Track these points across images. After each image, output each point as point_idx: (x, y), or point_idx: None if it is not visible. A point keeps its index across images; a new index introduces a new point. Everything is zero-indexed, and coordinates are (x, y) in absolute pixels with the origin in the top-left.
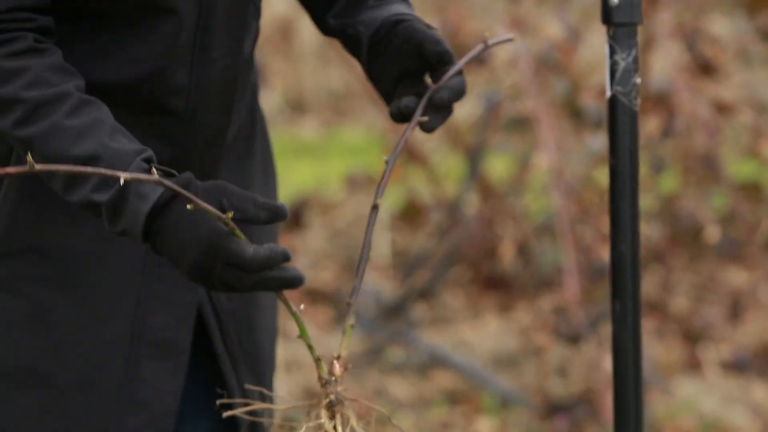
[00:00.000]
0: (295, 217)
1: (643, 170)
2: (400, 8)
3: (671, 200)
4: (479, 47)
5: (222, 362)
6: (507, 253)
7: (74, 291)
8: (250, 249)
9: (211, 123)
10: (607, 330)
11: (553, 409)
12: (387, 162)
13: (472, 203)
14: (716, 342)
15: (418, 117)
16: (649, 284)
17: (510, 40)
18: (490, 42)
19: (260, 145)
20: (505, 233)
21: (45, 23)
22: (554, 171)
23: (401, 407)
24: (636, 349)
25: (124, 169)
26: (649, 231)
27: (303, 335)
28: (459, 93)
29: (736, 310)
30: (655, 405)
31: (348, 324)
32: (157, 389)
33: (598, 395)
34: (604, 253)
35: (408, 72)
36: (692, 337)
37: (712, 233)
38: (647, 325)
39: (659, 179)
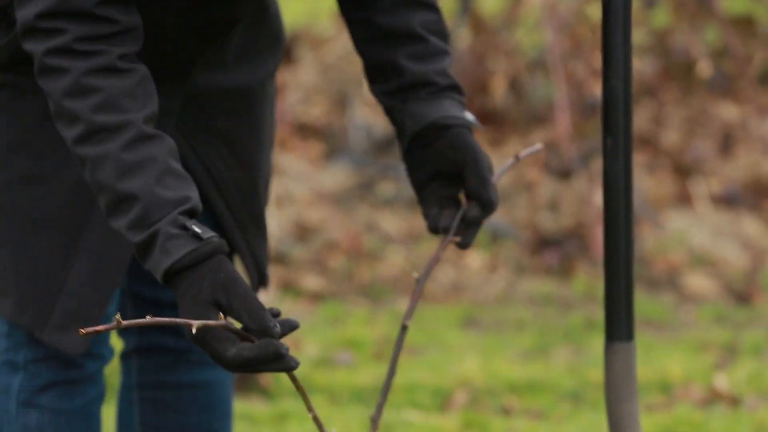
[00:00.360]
0: (286, 52)
1: (636, 4)
2: (451, 109)
3: (664, 35)
4: (511, 161)
5: (225, 221)
6: (499, 88)
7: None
8: (230, 351)
9: None
10: (598, 165)
11: (543, 243)
12: (418, 280)
13: (464, 38)
14: (707, 176)
15: (450, 237)
16: (640, 119)
17: (539, 149)
18: (522, 155)
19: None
20: (497, 68)
21: (130, 34)
22: (547, 6)
23: (391, 241)
24: (627, 183)
25: (158, 219)
26: (642, 65)
27: None
28: (491, 209)
29: (726, 143)
30: (646, 239)
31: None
32: (110, 241)
33: (588, 229)
34: (596, 88)
35: (444, 174)
36: (683, 171)
37: (704, 67)
38: (638, 160)
39: (652, 13)
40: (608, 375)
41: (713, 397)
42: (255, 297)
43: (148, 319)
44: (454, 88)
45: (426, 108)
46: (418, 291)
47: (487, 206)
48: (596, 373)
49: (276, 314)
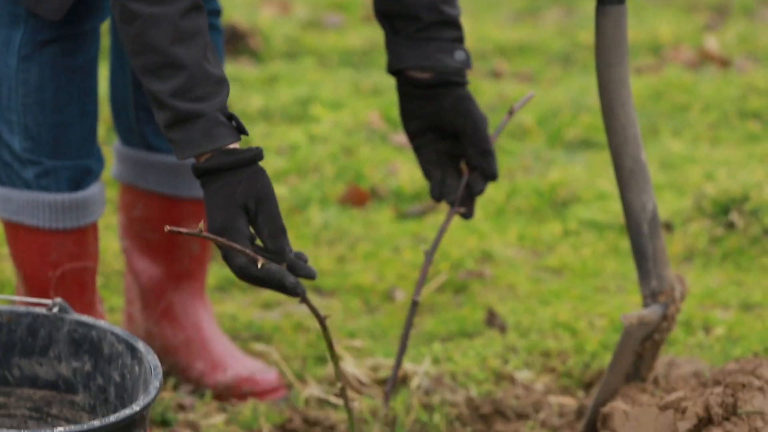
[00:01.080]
0: None
1: None
2: (434, 55)
3: None
4: (506, 118)
5: None
6: None
7: None
8: (241, 260)
9: None
10: None
11: None
12: (426, 253)
13: None
14: None
15: (455, 209)
16: None
17: (532, 96)
18: (516, 106)
19: None
20: None
21: None
22: None
23: None
24: None
25: (202, 96)
26: None
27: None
28: (493, 179)
29: None
30: None
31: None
32: None
33: None
34: None
35: (441, 129)
36: None
37: None
38: None
39: None
40: (599, 39)
41: (703, 59)
42: (281, 219)
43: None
44: (445, 24)
45: (405, 49)
46: (427, 264)
47: (490, 178)
48: (587, 35)
49: (304, 259)
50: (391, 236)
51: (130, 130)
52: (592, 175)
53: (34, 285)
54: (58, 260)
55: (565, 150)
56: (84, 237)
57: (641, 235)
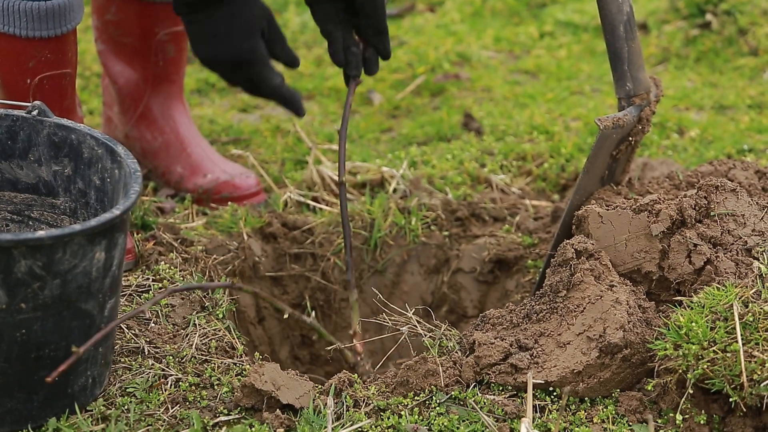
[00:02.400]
0: None
1: None
2: None
3: None
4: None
5: None
6: None
7: None
8: (277, 80)
9: None
10: None
11: None
12: (338, 132)
13: None
14: None
15: (357, 81)
16: None
17: None
18: None
19: None
20: None
21: None
22: None
23: None
24: None
25: None
26: None
27: (324, 336)
28: (386, 58)
29: None
30: None
31: (353, 300)
32: None
33: None
34: None
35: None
36: None
37: None
38: None
39: None
40: None
41: None
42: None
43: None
44: None
45: None
46: (342, 143)
47: (384, 57)
48: None
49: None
50: None
51: None
52: None
53: (12, 91)
54: (35, 68)
55: None
56: (62, 44)
57: (617, 37)
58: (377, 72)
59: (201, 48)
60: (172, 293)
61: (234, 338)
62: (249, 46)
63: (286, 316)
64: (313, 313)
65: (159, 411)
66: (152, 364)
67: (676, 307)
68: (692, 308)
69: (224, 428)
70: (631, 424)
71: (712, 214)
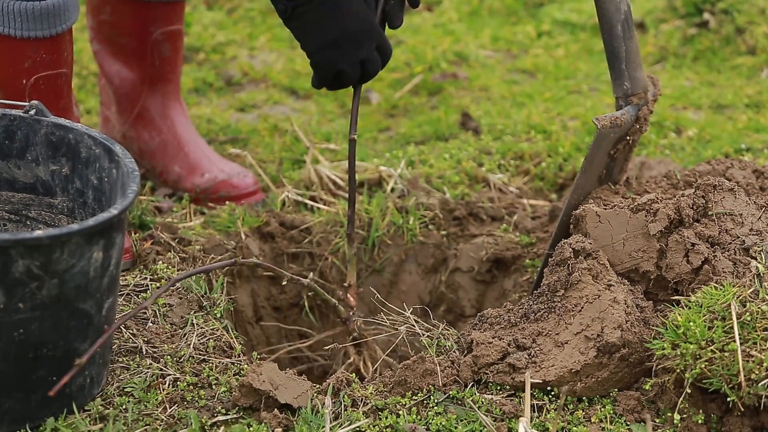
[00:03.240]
0: None
1: None
2: None
3: None
4: None
5: None
6: None
7: None
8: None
9: None
10: None
11: None
12: (354, 89)
13: None
14: None
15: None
16: None
17: None
18: None
19: None
20: None
21: None
22: None
23: None
24: None
25: None
26: None
27: (320, 294)
28: (415, 6)
29: None
30: None
31: (351, 254)
32: None
33: None
34: None
35: None
36: None
37: None
38: None
39: None
40: None
41: None
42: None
43: None
44: None
45: None
46: (355, 102)
47: (413, 3)
48: None
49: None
50: None
51: None
52: None
53: (8, 91)
54: (31, 68)
55: None
56: (57, 44)
57: (615, 36)
58: (401, 25)
59: (317, 31)
60: (176, 283)
61: (232, 338)
62: (363, 19)
63: (284, 282)
64: (311, 274)
65: (157, 411)
66: (150, 364)
67: (673, 306)
68: (690, 308)
69: (222, 428)
70: (629, 423)
71: (709, 213)
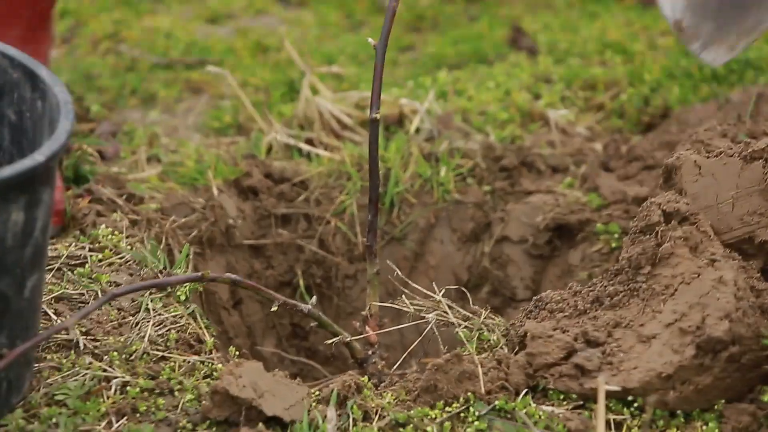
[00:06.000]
0: None
1: None
2: None
3: None
4: None
5: None
6: None
7: None
8: None
9: None
10: None
11: None
12: (376, 48)
13: None
14: None
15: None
16: None
17: None
18: None
19: None
20: None
21: None
22: None
23: None
24: None
25: None
26: None
27: (326, 326)
28: None
29: None
30: None
31: (372, 273)
32: None
33: None
34: None
35: None
36: None
37: None
38: None
39: None
40: None
41: None
42: None
43: None
44: None
45: None
46: (379, 66)
47: None
48: None
49: None
50: None
51: None
52: None
53: None
54: None
55: None
56: None
57: None
58: None
59: None
60: (115, 298)
61: (201, 328)
62: None
63: (274, 308)
64: (314, 299)
65: (99, 426)
66: (90, 363)
67: None
68: None
69: None
70: None
71: None
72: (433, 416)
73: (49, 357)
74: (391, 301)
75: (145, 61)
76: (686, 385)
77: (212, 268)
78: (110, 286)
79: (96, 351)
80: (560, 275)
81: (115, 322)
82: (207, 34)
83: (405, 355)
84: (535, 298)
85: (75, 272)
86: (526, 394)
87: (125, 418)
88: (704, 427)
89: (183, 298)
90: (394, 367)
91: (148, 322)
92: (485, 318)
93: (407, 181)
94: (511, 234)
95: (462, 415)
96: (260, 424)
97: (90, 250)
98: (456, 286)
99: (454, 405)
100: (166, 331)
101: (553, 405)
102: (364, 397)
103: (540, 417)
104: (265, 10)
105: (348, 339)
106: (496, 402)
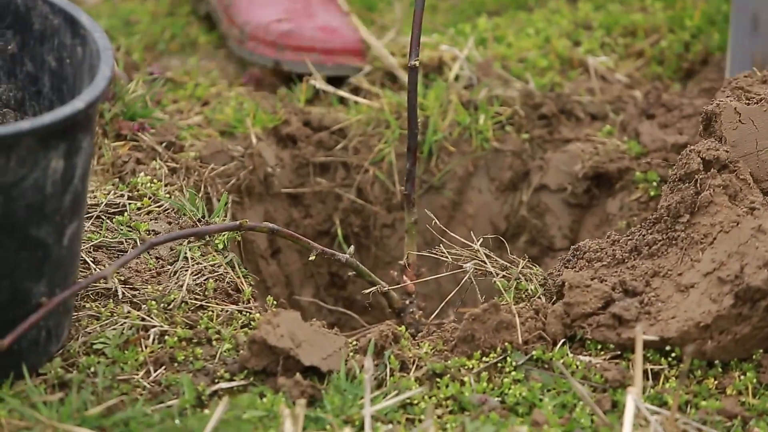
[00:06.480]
0: None
1: None
2: None
3: None
4: None
5: None
6: None
7: None
8: None
9: None
10: None
11: None
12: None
13: None
14: None
15: None
16: None
17: None
18: None
19: None
20: None
21: None
22: None
23: None
24: None
25: None
26: None
27: (364, 276)
28: None
29: None
30: None
31: (410, 222)
32: None
33: None
34: None
35: None
36: None
37: None
38: None
39: None
40: None
41: None
42: None
43: None
44: None
45: None
46: (417, 23)
47: None
48: None
49: None
50: None
51: None
52: None
53: None
54: None
55: None
56: None
57: None
58: None
59: None
60: (153, 247)
61: (239, 277)
62: None
63: (312, 257)
64: (351, 248)
65: (137, 375)
66: (128, 312)
67: None
68: None
69: (225, 398)
70: None
71: None
72: (470, 366)
73: (87, 306)
74: (429, 251)
75: (185, 7)
76: (724, 335)
77: (250, 217)
78: (149, 234)
79: (134, 300)
80: (598, 224)
81: (154, 271)
82: None
83: (442, 304)
84: (573, 247)
85: (114, 220)
86: (563, 344)
87: (163, 367)
88: (742, 377)
89: (221, 247)
90: (432, 316)
91: (186, 271)
92: (523, 267)
93: (446, 129)
94: (549, 182)
95: (499, 365)
96: (297, 374)
97: (129, 198)
98: (494, 236)
99: (492, 355)
100: (204, 280)
101: (590, 355)
102: (401, 347)
103: (577, 367)
104: None
105: (385, 288)
106: (534, 352)
